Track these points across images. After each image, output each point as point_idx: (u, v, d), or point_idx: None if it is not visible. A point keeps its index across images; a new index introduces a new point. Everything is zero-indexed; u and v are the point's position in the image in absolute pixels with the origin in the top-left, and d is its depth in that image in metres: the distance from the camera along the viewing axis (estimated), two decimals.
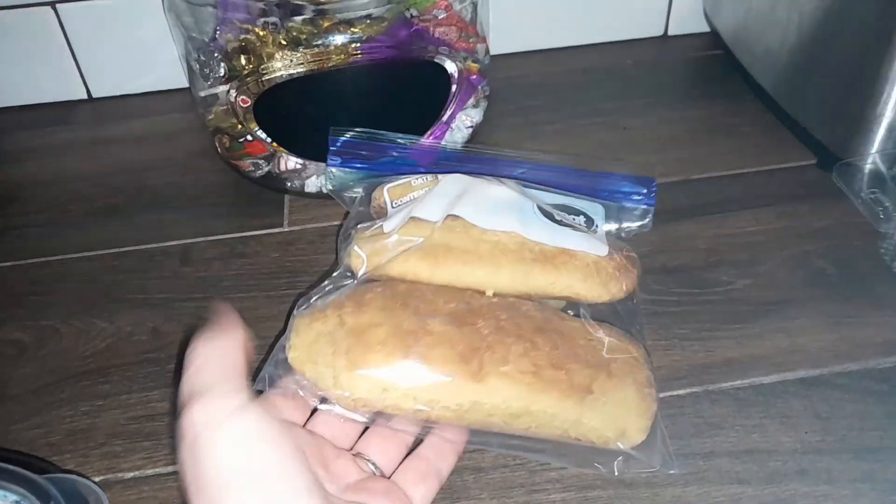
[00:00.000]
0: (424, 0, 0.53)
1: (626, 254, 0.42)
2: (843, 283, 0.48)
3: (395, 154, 0.48)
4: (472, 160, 0.48)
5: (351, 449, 0.37)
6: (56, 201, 0.59)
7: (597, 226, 0.43)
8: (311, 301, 0.39)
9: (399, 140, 0.49)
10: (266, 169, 0.56)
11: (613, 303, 0.41)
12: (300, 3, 0.49)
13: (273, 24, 0.50)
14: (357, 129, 0.48)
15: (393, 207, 0.44)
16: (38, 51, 0.66)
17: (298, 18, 0.49)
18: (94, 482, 0.39)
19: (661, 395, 0.42)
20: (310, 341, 0.36)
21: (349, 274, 0.41)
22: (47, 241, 0.55)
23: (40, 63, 0.67)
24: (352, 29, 0.50)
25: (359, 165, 0.48)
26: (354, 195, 0.47)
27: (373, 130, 0.48)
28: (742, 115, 0.62)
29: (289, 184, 0.56)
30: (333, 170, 0.48)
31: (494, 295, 0.39)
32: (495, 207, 0.41)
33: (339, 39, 0.49)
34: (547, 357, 0.36)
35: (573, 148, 0.60)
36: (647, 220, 0.46)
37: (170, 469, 0.41)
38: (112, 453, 0.41)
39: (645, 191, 0.46)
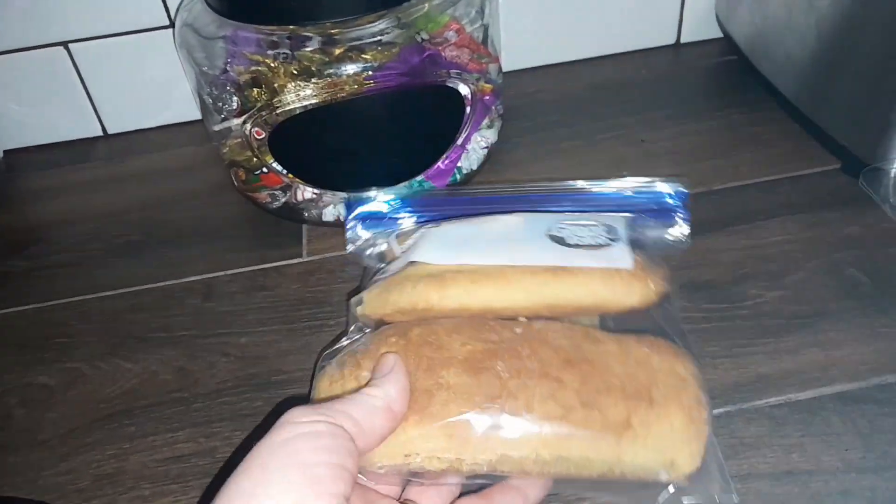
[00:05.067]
0: (435, 23, 0.53)
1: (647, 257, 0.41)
2: (877, 293, 0.47)
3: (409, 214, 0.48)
4: (489, 201, 0.48)
5: (399, 499, 0.35)
6: (76, 241, 0.59)
7: (619, 236, 0.41)
8: (333, 360, 0.38)
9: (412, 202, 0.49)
10: (283, 200, 0.56)
11: (649, 311, 0.39)
12: (308, 34, 0.49)
13: (284, 54, 0.50)
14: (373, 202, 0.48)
15: (400, 255, 0.44)
16: (53, 90, 0.66)
17: (308, 48, 0.49)
18: None
19: None
20: None
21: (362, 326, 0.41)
22: (69, 281, 0.55)
23: (55, 102, 0.67)
24: (363, 56, 0.49)
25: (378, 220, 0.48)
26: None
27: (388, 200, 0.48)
28: (762, 122, 0.61)
29: (306, 214, 0.56)
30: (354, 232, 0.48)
31: (521, 319, 0.37)
32: (496, 241, 0.41)
33: (350, 69, 0.49)
34: (576, 395, 0.33)
35: (592, 164, 0.59)
36: (684, 235, 0.45)
37: None
38: (140, 497, 0.41)
39: (678, 204, 0.45)
